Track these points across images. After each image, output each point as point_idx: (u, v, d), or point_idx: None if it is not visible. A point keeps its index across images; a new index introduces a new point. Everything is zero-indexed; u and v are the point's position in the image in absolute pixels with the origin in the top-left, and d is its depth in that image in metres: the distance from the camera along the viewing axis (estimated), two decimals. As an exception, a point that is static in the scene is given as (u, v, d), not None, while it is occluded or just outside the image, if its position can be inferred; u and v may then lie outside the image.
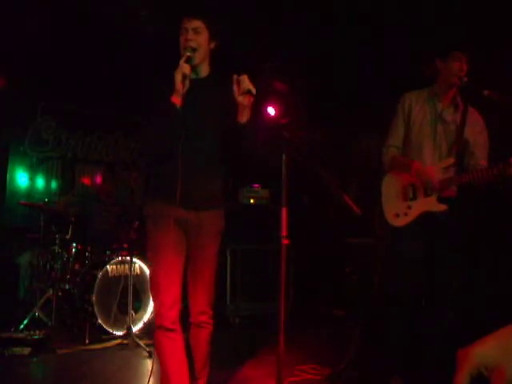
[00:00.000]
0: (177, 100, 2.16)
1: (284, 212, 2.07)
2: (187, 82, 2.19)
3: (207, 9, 2.35)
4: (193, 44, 2.22)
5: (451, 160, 2.75)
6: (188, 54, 2.19)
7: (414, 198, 2.82)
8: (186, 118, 2.21)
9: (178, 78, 2.15)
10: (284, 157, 2.11)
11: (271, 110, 5.83)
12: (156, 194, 2.37)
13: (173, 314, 2.29)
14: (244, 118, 2.18)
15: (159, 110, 2.23)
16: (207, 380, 2.48)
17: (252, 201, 5.28)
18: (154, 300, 2.40)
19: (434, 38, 3.51)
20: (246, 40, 4.81)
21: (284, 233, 2.06)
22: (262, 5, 4.57)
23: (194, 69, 2.28)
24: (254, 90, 2.11)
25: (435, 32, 3.79)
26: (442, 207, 2.73)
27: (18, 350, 3.55)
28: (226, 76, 2.29)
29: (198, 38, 2.24)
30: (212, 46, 2.33)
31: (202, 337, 2.43)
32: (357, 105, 5.25)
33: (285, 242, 2.06)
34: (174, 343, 2.32)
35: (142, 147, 5.81)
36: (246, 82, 2.13)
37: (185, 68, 2.16)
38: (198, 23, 2.24)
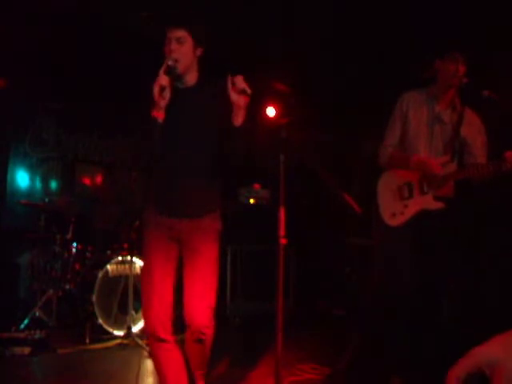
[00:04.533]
0: (158, 114, 2.09)
1: (282, 212, 2.07)
2: (167, 94, 2.11)
3: (190, 16, 2.27)
4: (175, 55, 2.15)
5: (446, 158, 2.75)
6: (169, 63, 2.12)
7: (410, 196, 2.83)
8: (172, 129, 2.17)
9: (156, 90, 2.07)
10: (282, 157, 2.10)
11: (271, 111, 5.84)
12: (149, 203, 2.35)
13: (162, 324, 2.21)
14: (239, 119, 2.13)
15: (143, 125, 2.19)
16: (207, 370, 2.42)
17: (252, 201, 5.28)
18: (143, 309, 2.30)
19: (432, 38, 3.51)
20: (245, 40, 4.82)
21: (282, 232, 2.06)
22: (262, 4, 4.57)
23: (179, 78, 2.24)
24: (249, 91, 2.06)
25: (434, 32, 3.79)
26: (439, 205, 2.74)
27: (18, 349, 3.54)
28: (216, 80, 2.24)
29: (180, 47, 2.17)
30: (198, 52, 2.27)
31: (203, 348, 2.29)
32: (357, 105, 5.25)
33: (283, 241, 2.05)
34: (169, 354, 2.25)
35: (132, 159, 5.84)
36: (240, 82, 2.08)
37: (162, 79, 2.08)
38: (180, 32, 2.17)
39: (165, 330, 2.22)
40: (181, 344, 2.36)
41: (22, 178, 5.47)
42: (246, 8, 4.59)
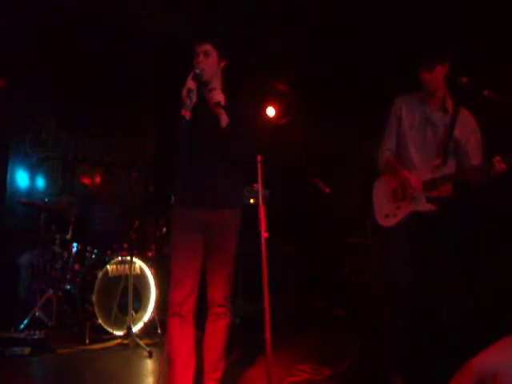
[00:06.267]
0: (185, 112, 2.43)
1: (262, 209, 2.39)
2: (193, 96, 2.45)
3: (216, 33, 2.65)
4: (202, 66, 2.51)
5: (438, 160, 2.76)
6: (196, 71, 2.48)
7: (403, 198, 2.85)
8: (197, 128, 2.48)
9: (184, 92, 2.44)
10: (259, 157, 2.35)
11: (271, 111, 5.84)
12: (177, 198, 2.66)
13: (187, 303, 2.49)
14: (222, 122, 2.45)
15: (172, 123, 2.50)
16: (222, 374, 2.60)
17: (252, 201, 5.28)
18: (171, 290, 2.55)
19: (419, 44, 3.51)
20: (244, 39, 4.82)
21: (263, 228, 2.35)
22: (263, 4, 4.58)
23: (205, 85, 2.56)
24: (221, 102, 2.42)
25: (433, 32, 3.79)
26: (430, 207, 2.75)
27: (18, 349, 3.55)
28: (234, 89, 2.60)
29: (207, 60, 2.53)
30: (222, 64, 2.62)
31: (220, 326, 2.58)
32: (357, 105, 5.25)
33: (265, 235, 2.33)
34: (185, 331, 2.49)
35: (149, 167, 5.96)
36: (214, 94, 2.45)
37: (189, 84, 2.45)
38: (207, 47, 2.54)
39: (186, 310, 2.47)
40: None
41: (22, 178, 5.47)
42: (245, 8, 4.59)
